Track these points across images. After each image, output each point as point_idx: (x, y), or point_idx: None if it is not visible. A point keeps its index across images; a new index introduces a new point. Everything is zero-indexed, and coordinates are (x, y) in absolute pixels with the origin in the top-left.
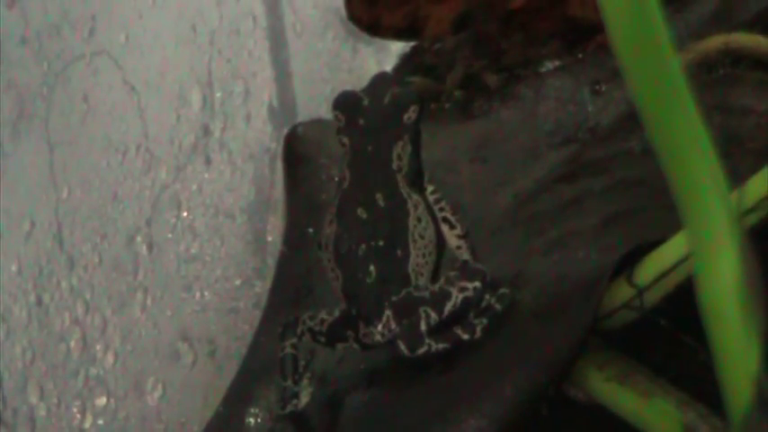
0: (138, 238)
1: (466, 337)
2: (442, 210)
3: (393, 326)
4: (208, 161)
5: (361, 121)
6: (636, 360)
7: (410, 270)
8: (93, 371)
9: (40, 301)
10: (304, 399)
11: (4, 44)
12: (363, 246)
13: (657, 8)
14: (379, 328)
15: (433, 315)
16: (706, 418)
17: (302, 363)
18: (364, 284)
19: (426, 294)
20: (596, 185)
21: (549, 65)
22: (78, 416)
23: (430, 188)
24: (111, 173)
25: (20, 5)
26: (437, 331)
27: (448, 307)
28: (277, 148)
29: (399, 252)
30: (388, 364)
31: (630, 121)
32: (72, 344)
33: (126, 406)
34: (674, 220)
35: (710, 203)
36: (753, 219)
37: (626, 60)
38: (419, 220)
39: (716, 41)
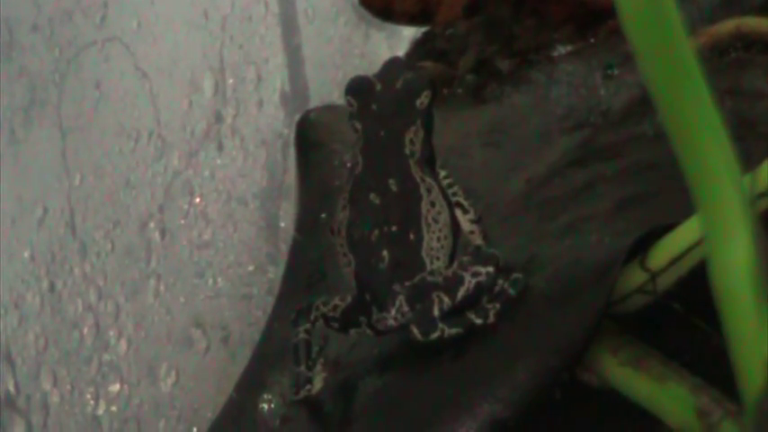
0: (151, 225)
1: (479, 321)
2: (454, 194)
3: (406, 311)
4: (220, 147)
5: (374, 107)
6: (649, 344)
7: (424, 254)
8: (106, 357)
9: (52, 288)
10: (317, 384)
11: (16, 31)
12: (376, 231)
13: None
14: (392, 313)
15: (446, 300)
16: (719, 402)
17: (315, 348)
18: (377, 270)
19: (439, 279)
20: (609, 170)
21: (561, 49)
22: (92, 402)
23: (443, 173)
24: (124, 159)
25: None
26: (450, 316)
27: (461, 292)
28: (289, 133)
29: (412, 237)
30: (402, 349)
31: (643, 105)
32: (85, 330)
33: (139, 392)
34: (686, 204)
35: (723, 187)
36: (765, 203)
37: (638, 44)
38: (432, 204)
39: (728, 26)
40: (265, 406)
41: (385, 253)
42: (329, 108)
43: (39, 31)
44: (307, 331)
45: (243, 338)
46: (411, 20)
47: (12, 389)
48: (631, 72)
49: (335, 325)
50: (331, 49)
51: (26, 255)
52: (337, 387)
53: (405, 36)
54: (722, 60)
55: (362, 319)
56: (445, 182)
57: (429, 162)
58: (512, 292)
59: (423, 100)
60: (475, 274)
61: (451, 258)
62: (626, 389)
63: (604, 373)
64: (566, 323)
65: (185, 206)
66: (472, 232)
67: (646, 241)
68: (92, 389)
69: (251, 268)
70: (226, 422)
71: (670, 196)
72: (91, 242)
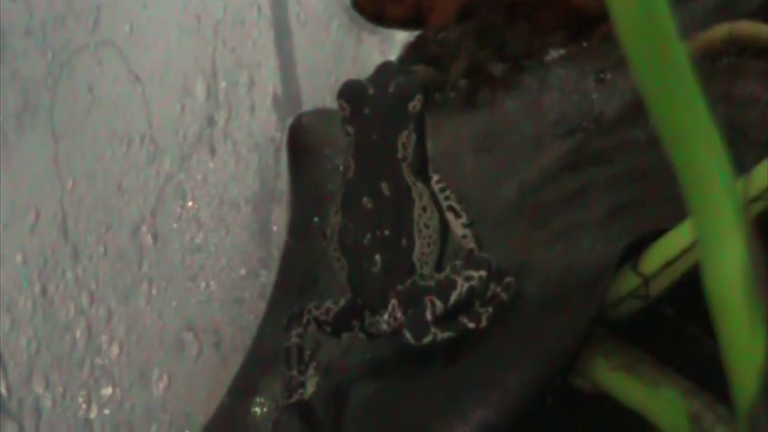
0: (143, 229)
1: (471, 325)
2: (447, 198)
3: (398, 315)
4: (212, 151)
5: (366, 111)
6: (641, 349)
7: (415, 259)
8: (98, 361)
9: (45, 292)
10: (309, 388)
11: (9, 35)
12: (369, 235)
13: None
14: (385, 317)
15: (439, 304)
16: (712, 407)
17: (308, 352)
18: (370, 274)
19: (432, 283)
20: (601, 175)
21: (554, 55)
22: (84, 406)
23: (435, 177)
24: (116, 163)
25: None
26: (442, 320)
27: (453, 296)
28: (282, 138)
29: (405, 241)
30: (394, 353)
31: (635, 110)
32: (77, 334)
33: (131, 396)
34: (679, 210)
35: (716, 192)
36: (758, 207)
37: (631, 50)
38: (424, 209)
39: (720, 31)
40: (257, 410)
41: (377, 257)
42: (321, 112)
43: (31, 36)
44: (299, 335)
45: (235, 343)
46: (403, 24)
47: (4, 392)
48: (624, 77)
49: (328, 329)
50: (323, 53)
51: (18, 259)
52: (329, 391)
53: (397, 40)
54: (715, 66)
55: (355, 323)
56: (437, 186)
57: (421, 166)
58: (504, 296)
59: (415, 104)
60: (467, 279)
61: (438, 264)
62: (618, 394)
63: (597, 377)
64: (558, 328)
65: (178, 210)
66: (465, 236)
67: (638, 246)
68: (84, 393)
69: (243, 272)
70: (218, 426)
71: (663, 202)
72: (83, 246)
